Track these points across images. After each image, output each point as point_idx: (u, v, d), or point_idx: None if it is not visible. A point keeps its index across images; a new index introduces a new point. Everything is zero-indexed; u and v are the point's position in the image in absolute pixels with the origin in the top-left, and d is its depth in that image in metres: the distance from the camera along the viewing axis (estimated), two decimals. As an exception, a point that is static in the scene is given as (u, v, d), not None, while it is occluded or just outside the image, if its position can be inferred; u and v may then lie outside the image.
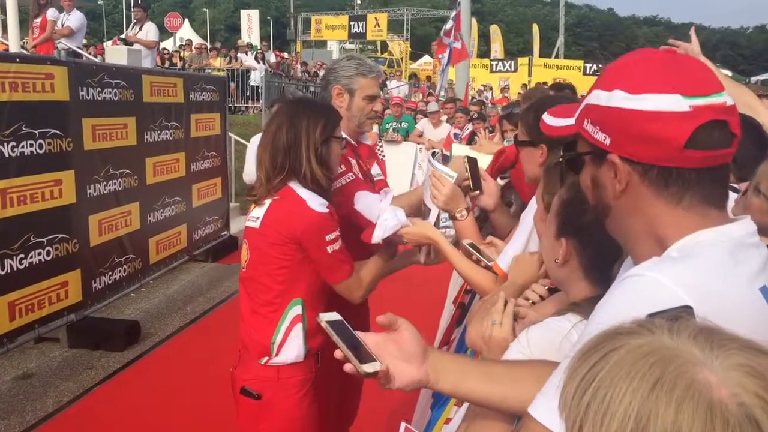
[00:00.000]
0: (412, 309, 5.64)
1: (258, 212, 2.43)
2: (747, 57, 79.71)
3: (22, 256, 4.65)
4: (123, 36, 12.74)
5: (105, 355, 5.26)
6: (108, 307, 5.93)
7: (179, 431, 4.22)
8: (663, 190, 1.11)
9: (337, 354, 1.29)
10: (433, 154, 2.58)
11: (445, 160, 2.63)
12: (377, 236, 2.38)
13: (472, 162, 2.52)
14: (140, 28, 10.89)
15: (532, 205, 2.04)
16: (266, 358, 2.44)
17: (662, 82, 1.07)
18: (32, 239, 4.72)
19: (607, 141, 1.12)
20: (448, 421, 2.02)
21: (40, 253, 4.82)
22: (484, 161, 4.27)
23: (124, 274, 6.06)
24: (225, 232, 8.49)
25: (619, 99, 1.09)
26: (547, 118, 1.33)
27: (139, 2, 11.74)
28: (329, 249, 2.37)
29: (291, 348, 2.44)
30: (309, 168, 2.39)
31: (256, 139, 5.55)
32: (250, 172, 6.34)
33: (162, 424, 4.27)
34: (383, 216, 2.41)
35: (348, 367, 1.27)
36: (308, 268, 2.42)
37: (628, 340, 0.72)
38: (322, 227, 2.35)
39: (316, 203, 2.35)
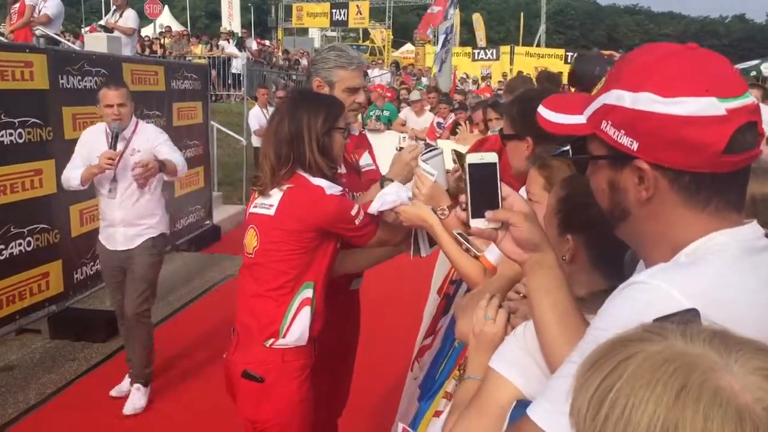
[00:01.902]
0: (397, 300, 5.68)
1: (269, 200, 2.46)
2: (726, 46, 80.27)
3: (2, 246, 4.60)
4: (102, 23, 12.52)
5: (87, 346, 5.22)
6: (90, 297, 5.87)
7: (163, 421, 4.21)
8: (692, 197, 1.06)
9: (461, 197, 1.32)
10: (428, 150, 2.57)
11: (428, 147, 2.63)
12: (374, 207, 2.46)
13: (461, 156, 2.52)
14: (120, 15, 10.72)
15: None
16: (272, 340, 2.46)
17: (695, 83, 1.02)
18: (12, 230, 4.67)
19: (634, 146, 1.06)
20: (438, 413, 2.03)
21: (20, 244, 4.77)
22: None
23: (106, 265, 5.99)
24: (208, 222, 8.44)
25: (648, 102, 1.03)
26: (547, 113, 1.24)
27: (119, -12, 11.55)
28: (357, 222, 2.46)
29: (296, 329, 2.47)
30: (313, 158, 2.45)
31: (88, 132, 4.46)
32: (70, 178, 4.23)
33: (145, 415, 4.26)
34: (385, 189, 2.46)
35: (461, 215, 1.32)
36: (321, 252, 2.48)
37: (643, 347, 0.70)
38: (344, 208, 2.44)
39: (333, 189, 2.43)
